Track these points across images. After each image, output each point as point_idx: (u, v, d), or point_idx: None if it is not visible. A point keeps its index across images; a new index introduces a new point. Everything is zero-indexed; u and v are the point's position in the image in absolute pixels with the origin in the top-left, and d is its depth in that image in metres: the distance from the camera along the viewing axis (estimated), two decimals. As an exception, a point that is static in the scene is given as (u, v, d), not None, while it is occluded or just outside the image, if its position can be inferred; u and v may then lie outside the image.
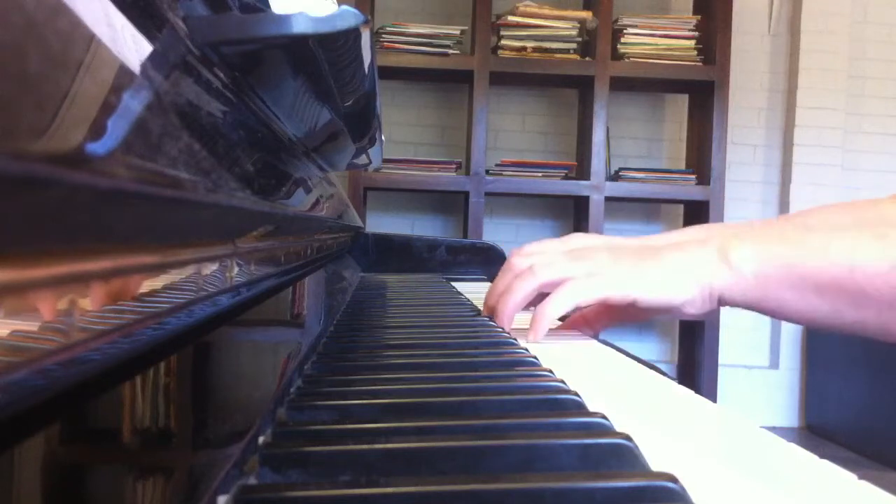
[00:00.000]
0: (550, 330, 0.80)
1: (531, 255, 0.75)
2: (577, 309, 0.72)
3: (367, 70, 0.59)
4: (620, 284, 0.65)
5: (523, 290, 0.71)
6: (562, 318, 0.83)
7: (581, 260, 0.70)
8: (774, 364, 3.16)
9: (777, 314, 0.63)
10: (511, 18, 2.75)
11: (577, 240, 0.78)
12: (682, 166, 3.01)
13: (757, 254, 0.63)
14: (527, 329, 0.76)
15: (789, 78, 3.17)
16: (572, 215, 3.10)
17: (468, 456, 0.32)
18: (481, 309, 0.81)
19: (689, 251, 0.66)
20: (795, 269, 0.61)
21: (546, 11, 2.77)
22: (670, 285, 0.64)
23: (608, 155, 2.85)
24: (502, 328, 0.72)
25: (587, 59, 2.78)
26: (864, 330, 0.61)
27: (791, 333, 3.13)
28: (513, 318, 0.72)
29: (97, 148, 0.17)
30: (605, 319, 0.76)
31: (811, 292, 0.60)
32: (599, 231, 2.75)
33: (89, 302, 0.17)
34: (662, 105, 3.20)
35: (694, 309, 0.65)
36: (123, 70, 0.20)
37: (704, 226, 0.85)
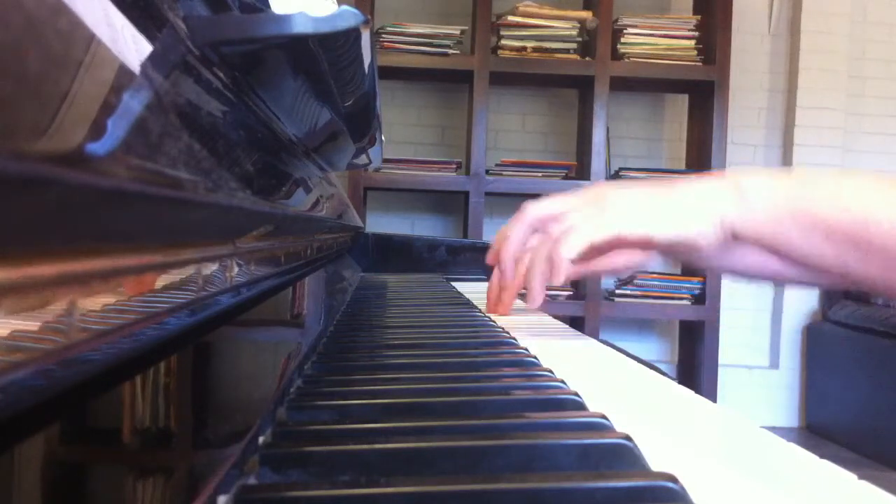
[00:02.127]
0: (550, 330, 0.80)
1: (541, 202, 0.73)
2: (592, 249, 0.70)
3: (367, 70, 0.59)
4: (634, 221, 0.64)
5: (522, 226, 0.70)
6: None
7: (592, 200, 0.68)
8: (774, 364, 3.16)
9: (785, 252, 0.63)
10: (511, 18, 2.75)
11: (589, 188, 0.75)
12: (682, 166, 3.01)
13: (772, 190, 0.62)
14: (527, 328, 0.76)
15: (789, 78, 3.17)
16: (572, 215, 3.10)
17: (468, 456, 0.31)
18: (488, 273, 0.81)
19: (704, 183, 0.65)
20: (808, 211, 0.60)
21: (546, 11, 2.77)
22: (684, 217, 0.63)
23: (608, 155, 2.85)
24: (505, 332, 0.72)
25: (587, 59, 2.78)
26: (866, 281, 0.60)
27: (791, 333, 3.13)
28: (514, 264, 0.70)
29: (97, 148, 0.17)
30: (619, 257, 0.73)
31: (820, 237, 0.60)
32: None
33: (89, 302, 0.17)
34: (662, 105, 3.20)
35: (707, 241, 0.63)
36: (123, 70, 0.20)
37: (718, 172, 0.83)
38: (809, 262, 0.62)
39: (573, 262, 0.66)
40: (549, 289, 0.77)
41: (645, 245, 0.65)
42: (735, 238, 0.64)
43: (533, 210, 0.73)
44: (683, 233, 0.63)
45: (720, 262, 0.67)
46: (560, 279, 0.66)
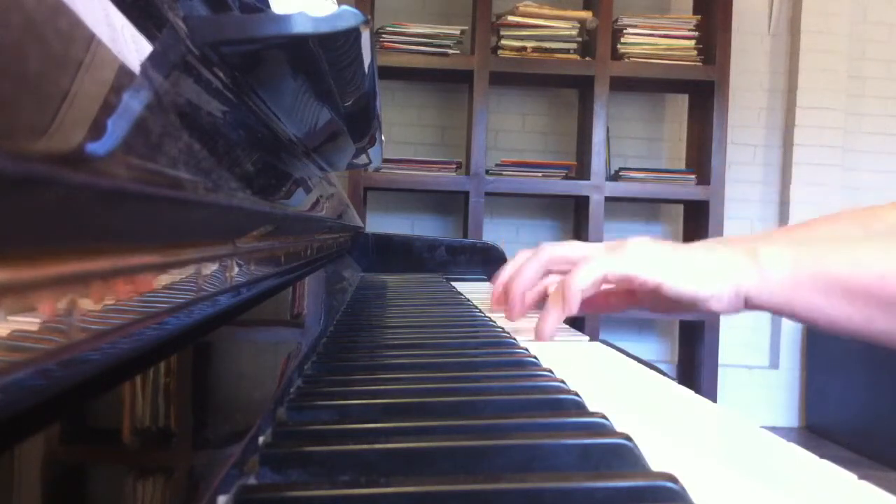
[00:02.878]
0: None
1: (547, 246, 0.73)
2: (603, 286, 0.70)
3: (367, 70, 0.59)
4: (649, 267, 0.64)
5: (536, 264, 0.69)
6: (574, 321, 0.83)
7: (612, 246, 0.69)
8: (774, 364, 3.16)
9: (805, 318, 0.63)
10: (511, 18, 2.75)
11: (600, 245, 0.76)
12: (682, 166, 3.01)
13: (787, 257, 0.62)
14: (527, 329, 0.76)
15: (789, 78, 3.17)
16: (572, 215, 3.10)
17: (468, 456, 0.31)
18: (487, 303, 0.81)
19: (719, 250, 0.65)
20: (825, 273, 0.60)
21: (546, 11, 2.77)
22: (699, 278, 0.63)
23: (608, 155, 2.85)
24: (505, 332, 0.72)
25: (587, 59, 2.78)
26: (894, 337, 0.60)
27: (791, 333, 3.13)
28: (524, 299, 0.71)
29: (97, 148, 0.17)
30: (625, 301, 0.74)
31: (841, 298, 0.60)
32: (600, 231, 2.75)
33: (89, 302, 0.17)
34: (662, 105, 3.20)
35: (720, 306, 0.63)
36: (123, 70, 0.20)
37: (724, 237, 0.84)
38: (833, 325, 0.62)
39: (584, 293, 0.66)
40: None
41: (655, 294, 0.65)
42: (749, 305, 0.64)
43: (551, 249, 0.73)
44: (697, 291, 0.64)
45: (733, 314, 0.67)
46: (571, 309, 0.67)
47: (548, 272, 0.73)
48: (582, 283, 0.66)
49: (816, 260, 0.61)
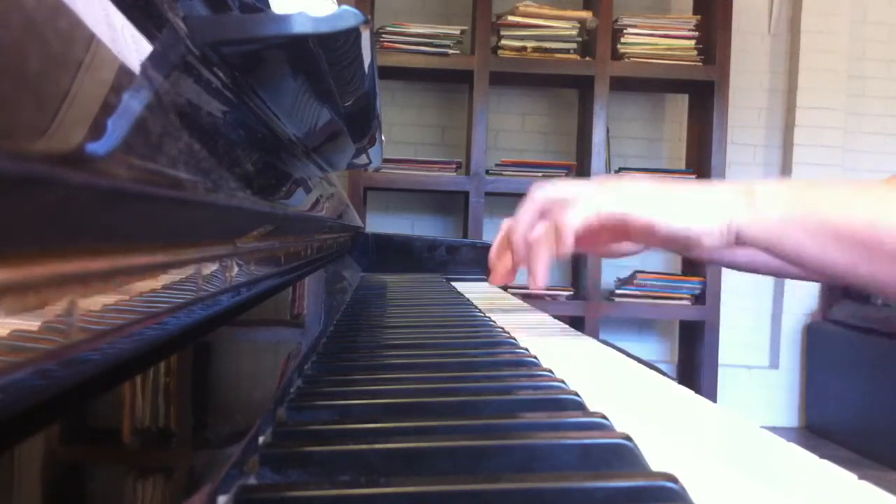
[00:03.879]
0: (550, 330, 0.80)
1: (547, 194, 0.72)
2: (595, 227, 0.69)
3: (367, 70, 0.59)
4: (642, 206, 0.64)
5: (532, 207, 0.69)
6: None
7: (603, 184, 0.68)
8: (774, 364, 3.16)
9: (792, 258, 0.63)
10: (511, 18, 2.75)
11: (600, 176, 0.75)
12: (682, 166, 3.01)
13: (782, 195, 0.63)
14: (527, 328, 0.76)
15: (789, 78, 3.17)
16: (572, 215, 3.10)
17: (468, 456, 0.32)
18: (487, 303, 0.80)
19: (714, 186, 0.66)
20: (818, 214, 0.61)
21: (546, 11, 2.77)
22: (691, 213, 0.63)
23: (608, 155, 2.85)
24: (505, 332, 0.72)
25: (587, 59, 2.78)
26: (876, 284, 0.61)
27: (791, 333, 3.13)
28: (527, 243, 0.69)
29: (97, 148, 0.17)
30: (618, 240, 0.73)
31: (830, 240, 0.60)
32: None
33: (89, 302, 0.17)
34: (662, 105, 3.20)
35: (711, 241, 0.63)
36: (123, 70, 0.20)
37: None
38: (819, 266, 0.62)
39: (577, 232, 0.65)
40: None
41: (648, 232, 0.65)
42: (740, 241, 0.64)
43: (542, 192, 0.72)
44: (688, 228, 0.63)
45: (721, 257, 0.67)
46: (564, 248, 0.66)
47: (542, 215, 0.72)
48: (574, 221, 0.65)
49: (810, 201, 0.62)
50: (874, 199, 0.60)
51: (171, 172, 0.22)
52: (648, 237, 0.67)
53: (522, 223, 0.72)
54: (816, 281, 0.67)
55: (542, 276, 0.69)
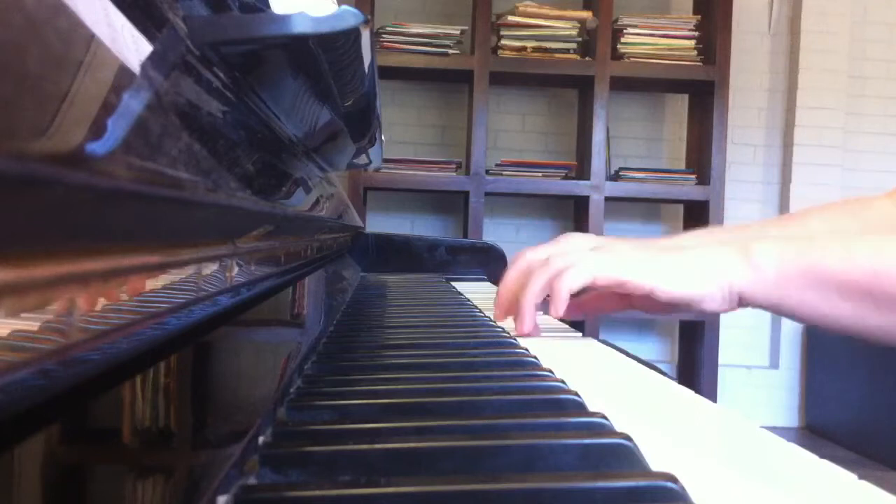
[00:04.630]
0: (550, 330, 0.80)
1: (545, 250, 0.73)
2: (592, 289, 0.70)
3: (367, 70, 0.59)
4: (641, 272, 0.64)
5: (541, 279, 0.68)
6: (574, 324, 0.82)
7: (600, 248, 0.69)
8: (774, 364, 3.16)
9: (798, 315, 0.62)
10: (511, 18, 2.74)
11: (589, 237, 0.76)
12: (682, 166, 3.01)
13: (779, 253, 0.62)
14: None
15: (789, 78, 3.16)
16: (572, 215, 3.10)
17: (468, 456, 0.32)
18: (487, 303, 0.81)
19: (711, 249, 0.65)
20: (818, 269, 0.60)
21: (546, 11, 2.77)
22: (691, 279, 0.63)
23: (608, 155, 2.85)
24: (505, 332, 0.72)
25: (587, 59, 2.78)
26: (887, 334, 0.60)
27: (791, 333, 3.13)
28: (534, 312, 0.70)
29: (97, 148, 0.17)
30: (619, 304, 0.74)
31: (834, 294, 0.60)
32: (600, 231, 2.75)
33: (89, 302, 0.17)
34: (662, 105, 3.20)
35: (714, 306, 0.63)
36: (123, 70, 0.20)
37: (716, 228, 0.85)
38: (825, 321, 0.61)
39: (572, 295, 0.66)
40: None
41: (649, 297, 0.65)
42: (743, 304, 0.64)
43: (531, 254, 0.73)
44: (690, 293, 0.63)
45: (727, 312, 0.67)
46: (559, 309, 0.66)
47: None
48: (570, 283, 0.66)
49: (809, 256, 0.61)
50: (875, 248, 0.60)
51: (170, 172, 0.22)
52: (650, 302, 0.67)
53: (534, 291, 0.71)
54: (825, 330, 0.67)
55: (528, 318, 0.70)
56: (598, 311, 0.76)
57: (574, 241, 0.75)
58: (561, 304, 0.66)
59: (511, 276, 0.75)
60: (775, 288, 0.62)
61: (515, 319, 0.71)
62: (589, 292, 0.73)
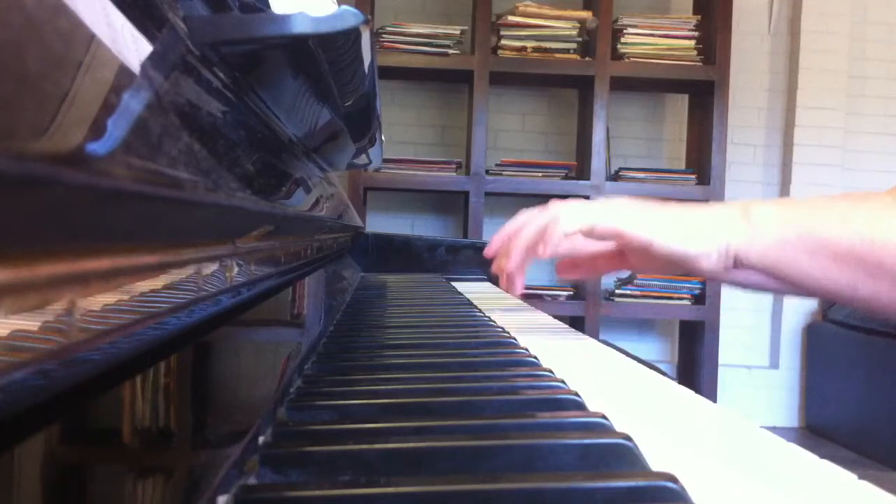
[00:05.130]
0: (550, 330, 0.81)
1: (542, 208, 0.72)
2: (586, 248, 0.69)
3: (367, 70, 0.59)
4: (639, 225, 0.64)
5: (537, 222, 0.68)
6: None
7: (602, 202, 0.68)
8: (774, 364, 3.16)
9: (792, 279, 0.62)
10: (511, 18, 2.74)
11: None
12: (682, 166, 3.01)
13: (779, 216, 0.62)
14: (527, 328, 0.76)
15: (789, 78, 3.16)
16: (572, 215, 3.10)
17: (468, 456, 0.32)
18: (487, 303, 0.80)
19: (711, 209, 0.65)
20: (816, 234, 0.60)
21: (546, 11, 2.77)
22: (689, 235, 0.63)
23: (608, 155, 2.85)
24: (505, 332, 0.72)
25: (587, 59, 2.78)
26: (880, 304, 0.60)
27: (791, 333, 3.13)
28: (521, 252, 0.69)
29: (97, 148, 0.17)
30: (615, 263, 0.73)
31: (829, 260, 0.60)
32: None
33: (89, 302, 0.17)
34: (662, 105, 3.20)
35: (709, 265, 0.63)
36: (123, 70, 0.20)
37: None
38: (818, 287, 0.61)
39: (567, 237, 0.65)
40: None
41: (644, 250, 0.65)
42: (738, 264, 0.63)
43: (540, 209, 0.72)
44: (686, 249, 0.63)
45: (720, 276, 0.66)
46: (547, 248, 0.65)
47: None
48: (566, 225, 0.65)
49: (808, 221, 0.61)
50: (873, 217, 0.59)
51: (171, 172, 0.22)
52: (645, 256, 0.67)
53: (516, 225, 0.71)
54: (817, 298, 0.67)
55: (518, 280, 0.69)
56: (592, 272, 0.75)
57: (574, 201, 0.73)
58: (551, 246, 0.65)
59: (508, 224, 0.74)
60: (772, 249, 0.61)
61: (503, 262, 0.70)
62: (583, 252, 0.73)
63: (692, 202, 2.36)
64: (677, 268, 0.66)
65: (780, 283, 0.64)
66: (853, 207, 0.62)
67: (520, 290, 0.71)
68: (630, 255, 0.70)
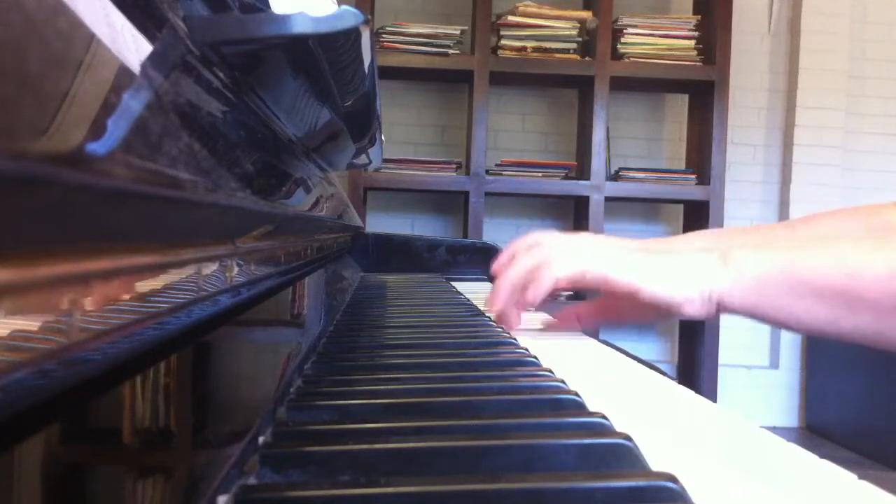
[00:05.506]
0: (548, 328, 0.81)
1: (537, 239, 0.75)
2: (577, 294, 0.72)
3: (367, 70, 0.59)
4: (625, 270, 0.66)
5: (525, 264, 0.70)
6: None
7: (590, 243, 0.71)
8: (774, 364, 3.16)
9: (775, 320, 0.63)
10: (511, 18, 2.75)
11: (582, 236, 0.79)
12: (682, 166, 3.01)
13: (756, 258, 0.63)
14: (527, 329, 0.77)
15: (789, 78, 3.17)
16: (572, 215, 3.10)
17: (468, 456, 0.32)
18: (484, 304, 0.82)
19: (692, 256, 0.67)
20: (793, 272, 0.61)
21: (546, 11, 2.77)
22: (672, 282, 0.65)
23: (608, 155, 2.85)
24: (505, 332, 0.72)
25: (587, 59, 2.78)
26: (863, 337, 0.61)
27: (791, 334, 3.13)
28: (509, 293, 0.72)
29: (97, 148, 0.17)
30: (601, 315, 0.77)
31: (809, 297, 0.60)
32: (600, 231, 2.74)
33: (89, 302, 0.17)
34: (662, 105, 3.20)
35: (692, 310, 0.65)
36: (123, 70, 0.20)
37: (712, 231, 0.86)
38: (801, 325, 0.63)
39: (557, 283, 0.68)
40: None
41: (631, 296, 0.67)
42: (722, 309, 0.65)
43: (526, 241, 0.75)
44: (669, 295, 0.65)
45: (706, 318, 0.68)
46: (538, 293, 0.68)
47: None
48: (558, 273, 0.68)
49: (786, 261, 0.62)
50: (850, 250, 0.61)
51: (171, 172, 0.22)
52: (629, 306, 0.69)
53: (505, 255, 0.75)
54: (801, 335, 0.68)
55: (513, 316, 0.73)
56: (573, 324, 0.79)
57: (557, 235, 0.77)
58: (541, 289, 0.68)
59: (508, 248, 0.77)
60: (753, 292, 0.63)
61: (490, 300, 0.73)
62: (580, 304, 0.77)
63: (692, 202, 2.36)
64: (662, 314, 0.68)
65: (765, 321, 0.65)
66: (830, 243, 0.63)
67: (516, 325, 0.75)
68: (614, 304, 0.72)
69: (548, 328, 0.81)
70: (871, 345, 0.62)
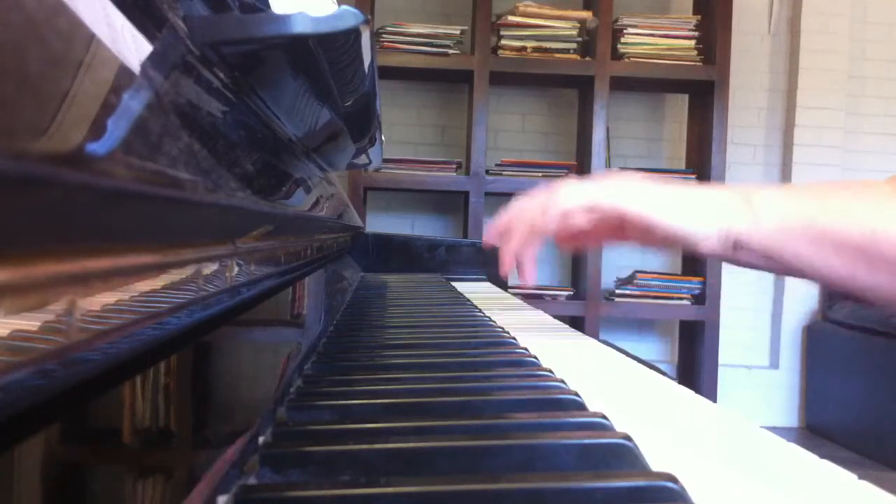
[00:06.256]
0: (550, 330, 0.81)
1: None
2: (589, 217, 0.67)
3: (367, 70, 0.59)
4: (641, 203, 0.63)
5: (539, 199, 0.67)
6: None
7: (606, 179, 0.67)
8: (774, 364, 3.16)
9: (792, 265, 0.62)
10: (511, 18, 2.74)
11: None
12: (682, 166, 3.01)
13: (781, 203, 0.62)
14: (527, 328, 0.76)
15: (789, 78, 3.17)
16: (572, 215, 3.10)
17: (468, 456, 0.32)
18: (487, 303, 0.81)
19: (714, 191, 0.65)
20: (817, 223, 0.60)
21: (546, 11, 2.77)
22: (690, 215, 0.63)
23: (608, 155, 2.85)
24: (505, 332, 0.72)
25: (587, 59, 2.78)
26: (877, 294, 0.60)
27: (791, 334, 3.13)
28: (526, 233, 0.68)
29: (97, 148, 0.17)
30: (615, 236, 0.72)
31: (829, 250, 0.60)
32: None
33: (89, 302, 0.17)
34: (662, 105, 3.20)
35: (709, 246, 0.63)
36: (123, 70, 0.20)
37: (734, 185, 0.82)
38: (818, 275, 0.61)
39: (567, 214, 0.64)
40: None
41: (645, 228, 0.64)
42: (738, 248, 0.63)
43: (542, 189, 0.71)
44: (687, 230, 0.63)
45: (719, 257, 0.66)
46: (549, 225, 0.65)
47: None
48: (566, 202, 0.65)
49: (809, 210, 0.61)
50: (874, 207, 0.60)
51: (171, 172, 0.22)
52: (645, 234, 0.66)
53: (514, 210, 0.70)
54: (816, 283, 0.66)
55: (529, 267, 0.68)
56: (592, 242, 0.74)
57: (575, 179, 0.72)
58: (552, 220, 0.65)
59: (505, 210, 0.72)
60: (772, 237, 0.61)
61: (506, 247, 0.69)
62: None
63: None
64: (677, 246, 0.66)
65: (779, 267, 0.64)
66: (854, 197, 0.62)
67: (531, 278, 0.70)
68: (630, 232, 0.69)
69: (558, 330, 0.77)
70: (885, 303, 0.61)
